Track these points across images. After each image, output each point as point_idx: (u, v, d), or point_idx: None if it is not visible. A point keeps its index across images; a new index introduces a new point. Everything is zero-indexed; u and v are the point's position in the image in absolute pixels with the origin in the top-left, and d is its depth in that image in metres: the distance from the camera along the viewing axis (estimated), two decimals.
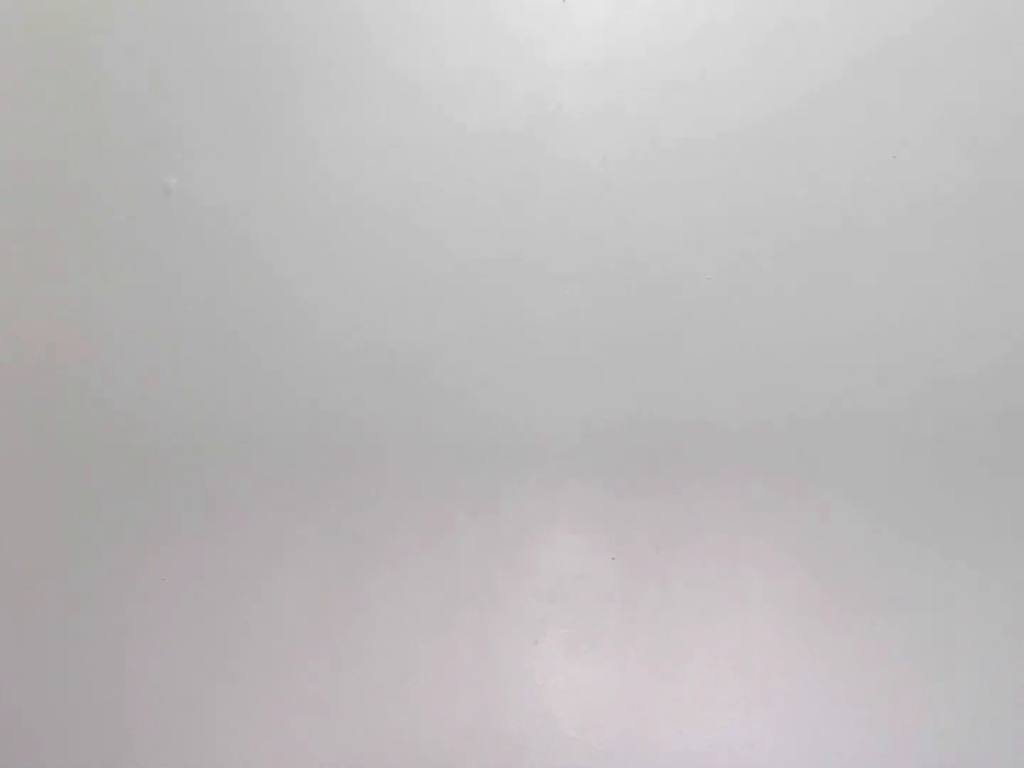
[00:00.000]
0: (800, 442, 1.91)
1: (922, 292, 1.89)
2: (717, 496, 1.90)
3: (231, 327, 1.96)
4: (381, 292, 1.95)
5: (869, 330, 1.90)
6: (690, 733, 1.88)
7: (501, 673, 1.91)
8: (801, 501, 1.90)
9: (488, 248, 1.92)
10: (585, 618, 1.92)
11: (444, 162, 1.92)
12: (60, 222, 1.97)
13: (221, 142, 1.95)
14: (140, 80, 1.96)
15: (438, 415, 1.94)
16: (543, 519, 1.92)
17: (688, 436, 1.92)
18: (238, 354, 1.96)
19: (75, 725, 1.92)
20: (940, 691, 1.89)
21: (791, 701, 1.90)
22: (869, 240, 1.89)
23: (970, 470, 1.89)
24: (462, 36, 1.91)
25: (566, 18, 1.88)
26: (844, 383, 1.91)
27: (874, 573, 1.89)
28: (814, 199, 1.89)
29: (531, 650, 1.91)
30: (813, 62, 1.88)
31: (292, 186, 1.94)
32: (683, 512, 1.90)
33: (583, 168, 1.91)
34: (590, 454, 1.92)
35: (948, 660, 1.90)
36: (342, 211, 1.94)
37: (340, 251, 1.95)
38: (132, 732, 1.92)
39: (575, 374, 1.92)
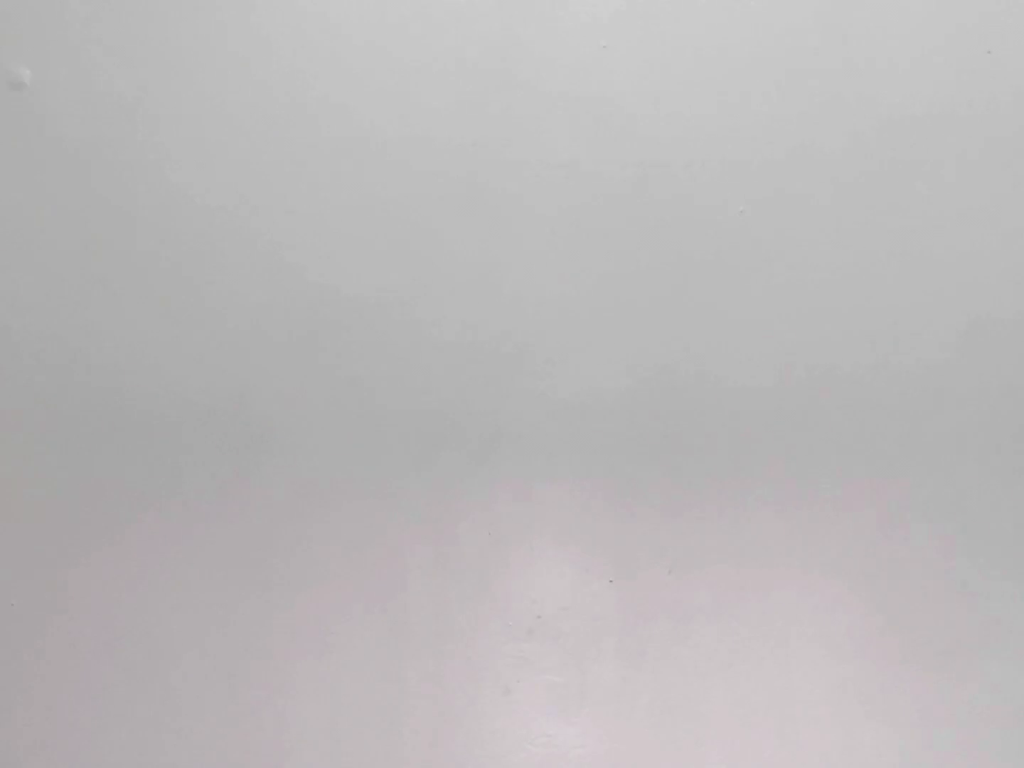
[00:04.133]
0: (861, 430, 1.76)
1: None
2: (750, 502, 1.75)
3: (99, 270, 1.79)
4: (303, 223, 1.79)
5: (955, 280, 1.77)
6: None
7: (462, 732, 1.75)
8: (861, 512, 1.75)
9: (449, 167, 1.77)
10: (572, 662, 1.76)
11: (395, 41, 1.77)
12: None
13: (91, 24, 1.79)
14: None
15: (378, 394, 1.78)
16: (517, 531, 1.77)
17: (714, 420, 1.77)
18: (111, 307, 1.79)
19: None
20: None
21: None
22: (944, 158, 1.76)
23: None
24: None
25: None
26: (917, 355, 1.76)
27: (955, 609, 1.74)
28: (877, 108, 1.76)
29: (501, 703, 1.75)
30: None
31: (189, 80, 1.79)
32: (705, 523, 1.76)
33: (578, 58, 1.76)
34: (581, 444, 1.77)
35: None
36: (251, 114, 1.79)
37: (249, 167, 1.79)
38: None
39: (562, 336, 1.78)
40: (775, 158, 1.77)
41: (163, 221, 1.79)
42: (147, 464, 1.78)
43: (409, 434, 1.78)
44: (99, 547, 1.78)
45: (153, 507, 1.78)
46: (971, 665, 1.74)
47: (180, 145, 1.79)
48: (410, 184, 1.78)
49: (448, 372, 1.78)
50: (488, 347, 1.78)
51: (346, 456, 1.78)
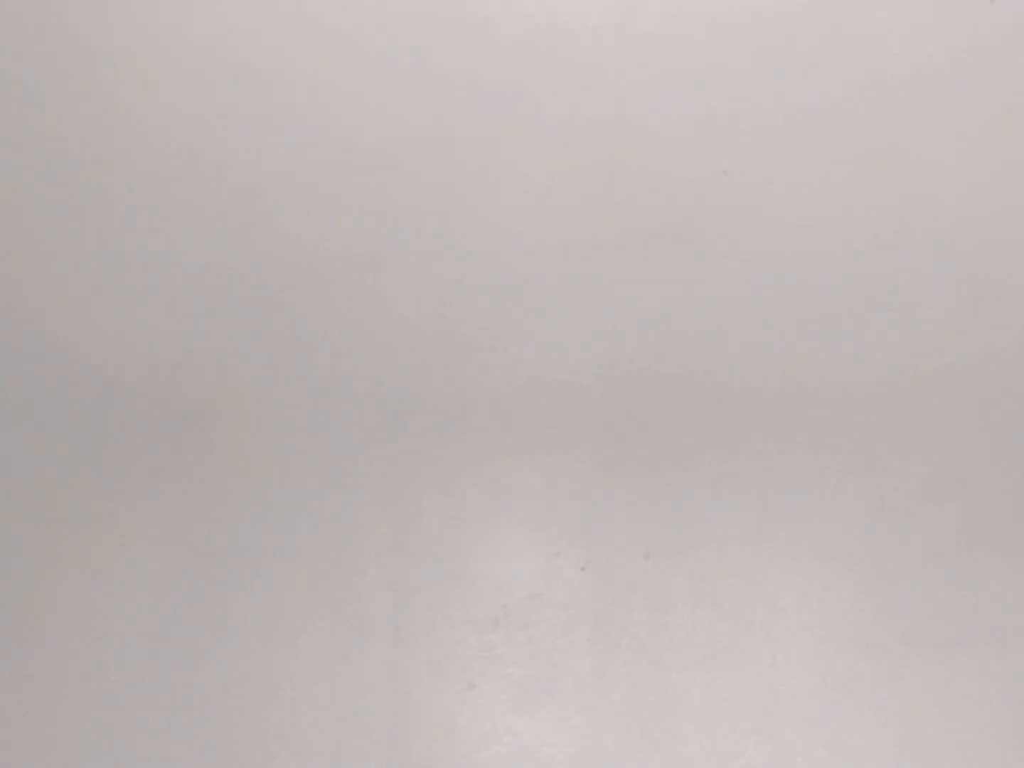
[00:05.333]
0: (853, 406, 1.76)
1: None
2: (733, 483, 1.75)
3: (21, 220, 1.80)
4: (257, 174, 1.79)
5: (952, 246, 1.76)
6: None
7: (422, 729, 1.74)
8: (853, 493, 1.75)
9: (415, 127, 1.78)
10: (541, 654, 1.75)
11: None
12: None
13: None
14: None
15: (334, 365, 1.79)
16: (483, 514, 1.78)
17: (694, 395, 1.77)
18: (33, 264, 1.79)
19: None
20: None
21: None
22: (941, 113, 1.76)
23: None
24: None
25: None
26: (914, 330, 1.76)
27: (954, 597, 1.73)
28: (871, 61, 1.77)
29: (463, 698, 1.74)
30: None
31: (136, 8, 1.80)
32: (685, 505, 1.75)
33: (546, 5, 1.78)
34: (551, 421, 1.78)
35: None
36: (204, 50, 1.80)
37: (199, 106, 1.80)
38: None
39: (532, 307, 1.79)
40: (762, 113, 1.78)
41: (94, 165, 1.79)
42: (77, 440, 1.78)
43: (367, 409, 1.78)
44: (30, 531, 1.78)
45: (85, 487, 1.78)
46: (971, 658, 1.72)
47: (119, 79, 1.79)
48: (374, 143, 1.78)
49: (410, 343, 1.78)
50: (453, 317, 1.78)
51: (298, 432, 1.78)
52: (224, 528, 1.78)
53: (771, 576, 1.74)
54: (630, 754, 1.73)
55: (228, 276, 1.80)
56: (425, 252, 1.78)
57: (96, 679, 1.76)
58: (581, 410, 1.77)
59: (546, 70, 1.78)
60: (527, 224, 1.79)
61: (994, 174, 1.77)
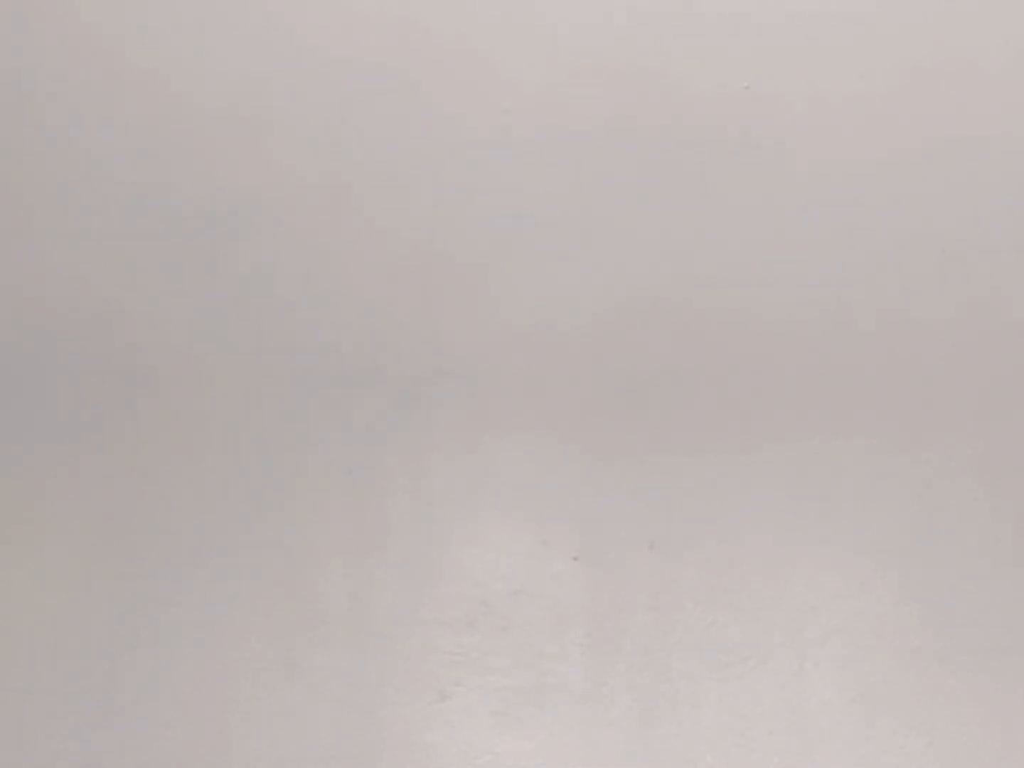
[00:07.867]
0: (890, 376, 1.69)
1: None
2: (751, 462, 1.69)
3: None
4: (191, 93, 1.72)
5: (1002, 197, 1.68)
6: None
7: (385, 748, 1.66)
8: (896, 474, 1.68)
9: (381, 43, 1.71)
10: (526, 660, 1.68)
11: None
12: None
13: None
14: None
15: (286, 319, 1.74)
16: (458, 495, 1.73)
17: (705, 359, 1.71)
18: None
19: None
20: None
21: None
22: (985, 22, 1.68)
23: None
24: None
25: None
26: (980, 271, 1.68)
27: (1007, 596, 1.65)
28: None
29: (434, 711, 1.66)
30: None
31: None
32: (697, 486, 1.69)
33: None
34: (539, 387, 1.73)
35: None
36: None
37: (126, 12, 1.72)
38: None
39: (517, 253, 1.73)
40: (789, 16, 1.70)
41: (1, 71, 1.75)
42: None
43: (324, 370, 1.73)
44: None
45: None
46: None
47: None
48: (333, 58, 1.71)
49: (375, 294, 1.72)
50: (426, 264, 1.72)
51: (245, 398, 1.73)
52: (152, 510, 1.72)
53: (798, 571, 1.67)
54: None
55: (158, 204, 1.73)
56: (394, 181, 1.72)
57: (8, 685, 1.68)
58: (576, 372, 1.71)
59: None
60: (519, 148, 1.72)
61: None
